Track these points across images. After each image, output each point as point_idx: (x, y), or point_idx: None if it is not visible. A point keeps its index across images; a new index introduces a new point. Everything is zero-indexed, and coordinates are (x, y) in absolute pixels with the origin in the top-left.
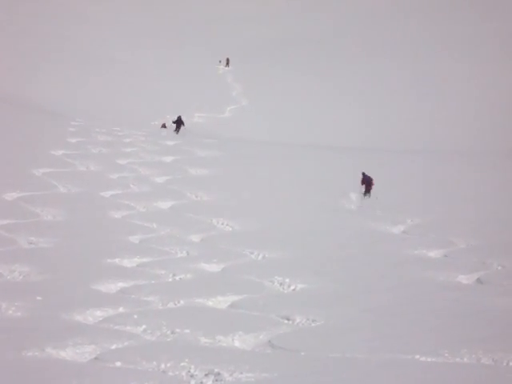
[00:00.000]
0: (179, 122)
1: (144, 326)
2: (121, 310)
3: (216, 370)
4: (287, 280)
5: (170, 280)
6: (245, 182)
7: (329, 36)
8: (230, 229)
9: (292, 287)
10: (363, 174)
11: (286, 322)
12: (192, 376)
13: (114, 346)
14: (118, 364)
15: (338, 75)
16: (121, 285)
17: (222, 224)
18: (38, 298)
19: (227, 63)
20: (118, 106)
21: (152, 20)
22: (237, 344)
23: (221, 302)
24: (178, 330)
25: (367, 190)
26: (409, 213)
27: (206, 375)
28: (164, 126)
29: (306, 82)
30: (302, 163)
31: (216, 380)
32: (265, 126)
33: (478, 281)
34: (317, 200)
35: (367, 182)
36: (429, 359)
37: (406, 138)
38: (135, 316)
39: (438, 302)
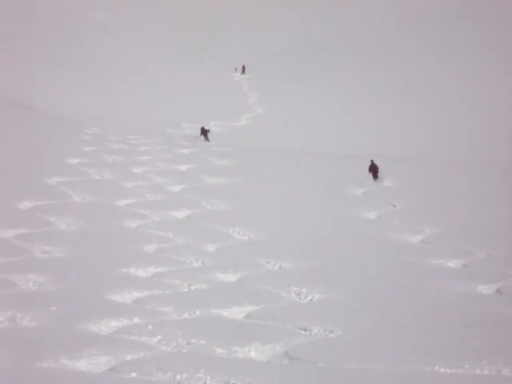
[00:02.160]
0: (204, 132)
1: (159, 337)
2: (136, 320)
3: (232, 381)
4: (304, 290)
5: (186, 290)
6: (260, 190)
7: (345, 43)
8: (246, 238)
9: (309, 297)
10: (372, 161)
11: (302, 332)
12: None
13: (129, 357)
14: (134, 375)
15: (354, 82)
16: (136, 295)
17: (238, 233)
18: (53, 308)
19: (243, 71)
20: (132, 115)
21: (166, 28)
22: (253, 355)
23: (237, 312)
24: (193, 341)
25: (375, 176)
26: (427, 222)
27: None
28: (203, 132)
29: (322, 89)
30: (318, 172)
31: None
32: (280, 134)
33: (498, 291)
34: (333, 209)
35: (374, 168)
36: (449, 371)
37: (422, 146)
38: (150, 326)
39: (458, 312)
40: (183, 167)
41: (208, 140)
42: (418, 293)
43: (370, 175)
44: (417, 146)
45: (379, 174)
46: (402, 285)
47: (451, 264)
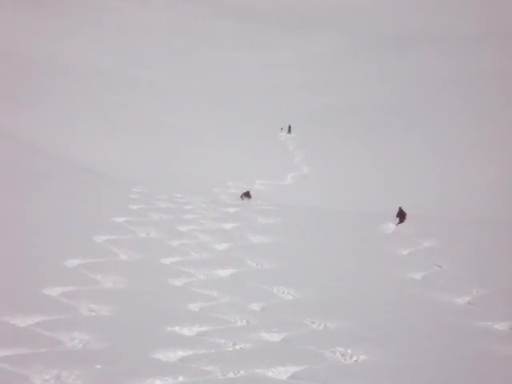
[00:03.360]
0: (247, 194)
1: None
2: (180, 379)
3: None
4: (349, 351)
5: (230, 349)
6: (306, 249)
7: (391, 104)
8: (291, 297)
9: (354, 358)
10: (400, 208)
11: None
12: None
13: None
14: None
15: (397, 142)
16: (180, 353)
17: (283, 292)
18: (98, 366)
19: (289, 130)
20: (179, 173)
21: (213, 87)
22: None
23: (281, 372)
24: None
25: (401, 221)
26: (474, 283)
27: None
28: (246, 194)
29: (366, 148)
30: (362, 231)
31: None
32: (326, 193)
33: None
34: (378, 268)
35: (401, 215)
36: None
37: (467, 207)
38: None
39: (505, 376)
40: (228, 225)
41: (245, 199)
42: (465, 356)
43: (397, 220)
44: (461, 207)
45: (405, 221)
46: (447, 347)
47: (498, 326)
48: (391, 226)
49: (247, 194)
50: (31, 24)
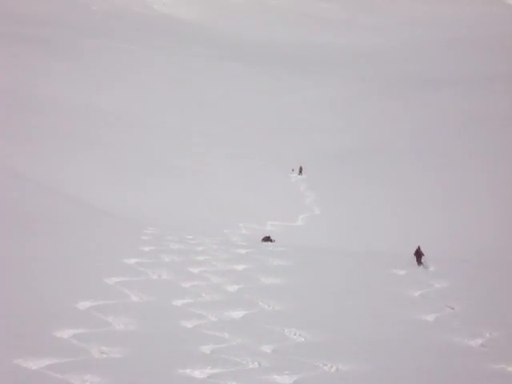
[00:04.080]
0: (268, 239)
1: None
2: None
3: None
4: None
5: None
6: (317, 291)
7: (405, 146)
8: (303, 339)
9: None
10: (418, 246)
11: None
12: None
13: None
14: None
15: (413, 185)
16: None
17: (295, 334)
18: None
19: (300, 171)
20: (190, 215)
21: (222, 129)
22: None
23: None
24: None
25: (419, 261)
26: (487, 325)
27: None
28: (268, 239)
29: (380, 190)
30: (374, 272)
31: None
32: (337, 235)
33: None
34: (390, 310)
35: (418, 253)
36: None
37: (479, 249)
38: None
39: None
40: (240, 267)
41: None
42: None
43: (415, 259)
44: (477, 248)
45: (423, 260)
46: None
47: None
48: (400, 271)
49: (268, 238)
50: (46, 67)
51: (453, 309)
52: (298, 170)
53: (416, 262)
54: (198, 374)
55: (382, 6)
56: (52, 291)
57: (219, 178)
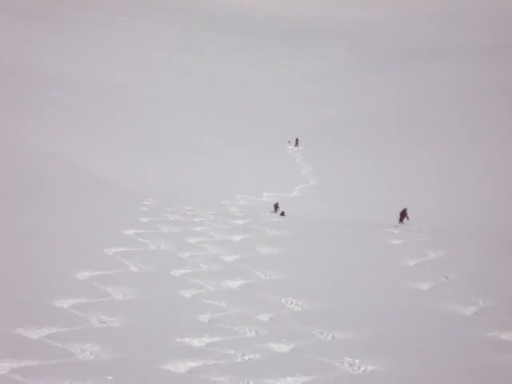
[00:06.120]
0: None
1: None
2: None
3: None
4: (357, 361)
5: (239, 360)
6: (314, 260)
7: (398, 116)
8: (300, 308)
9: (362, 368)
10: (405, 208)
11: None
12: None
13: None
14: None
15: (406, 155)
16: (190, 364)
17: (291, 303)
18: (109, 377)
19: (296, 143)
20: (188, 186)
21: (221, 101)
22: None
23: (290, 382)
24: None
25: (401, 220)
26: (481, 294)
27: None
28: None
29: (375, 161)
30: (370, 242)
31: None
32: (333, 205)
33: None
34: (385, 280)
35: (402, 214)
36: None
37: (474, 219)
38: None
39: None
40: (237, 237)
41: (282, 214)
42: (473, 366)
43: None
44: (469, 219)
45: (405, 220)
46: (455, 357)
47: (505, 337)
48: (395, 241)
49: (276, 206)
50: (45, 40)
51: (447, 278)
52: (294, 142)
53: (398, 220)
54: (196, 342)
55: None
56: (52, 261)
57: (216, 149)
